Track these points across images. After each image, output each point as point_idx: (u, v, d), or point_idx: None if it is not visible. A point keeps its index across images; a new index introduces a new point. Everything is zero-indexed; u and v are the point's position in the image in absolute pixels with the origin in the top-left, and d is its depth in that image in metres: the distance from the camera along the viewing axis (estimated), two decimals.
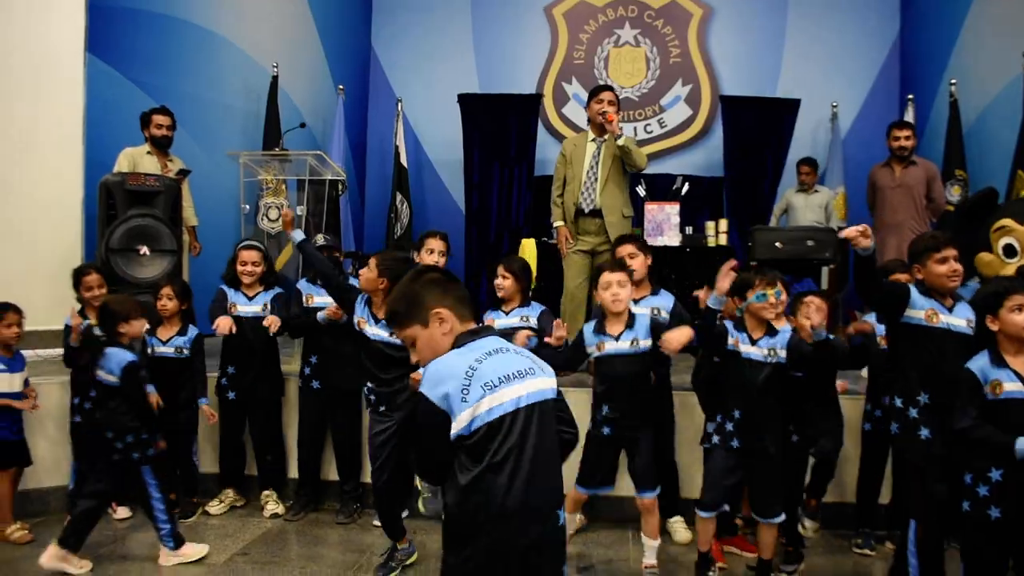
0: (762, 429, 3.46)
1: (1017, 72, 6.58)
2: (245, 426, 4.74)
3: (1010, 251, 3.89)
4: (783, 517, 3.54)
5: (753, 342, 3.48)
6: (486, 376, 2.01)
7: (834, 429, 3.89)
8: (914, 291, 3.28)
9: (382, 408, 3.74)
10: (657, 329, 3.63)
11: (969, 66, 7.44)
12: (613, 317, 3.70)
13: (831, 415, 3.90)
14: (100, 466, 3.92)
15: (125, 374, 3.83)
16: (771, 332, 3.50)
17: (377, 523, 4.44)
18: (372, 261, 3.74)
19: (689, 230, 6.88)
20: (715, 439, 3.56)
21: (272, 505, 4.61)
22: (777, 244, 6.16)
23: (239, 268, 4.60)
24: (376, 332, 3.73)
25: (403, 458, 3.71)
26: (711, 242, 6.72)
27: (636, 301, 4.03)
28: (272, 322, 4.41)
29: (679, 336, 3.43)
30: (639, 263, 4.08)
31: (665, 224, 6.54)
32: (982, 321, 3.07)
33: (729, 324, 3.52)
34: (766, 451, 3.46)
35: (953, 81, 7.39)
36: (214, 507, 4.62)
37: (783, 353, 3.46)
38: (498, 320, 4.23)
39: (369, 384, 3.79)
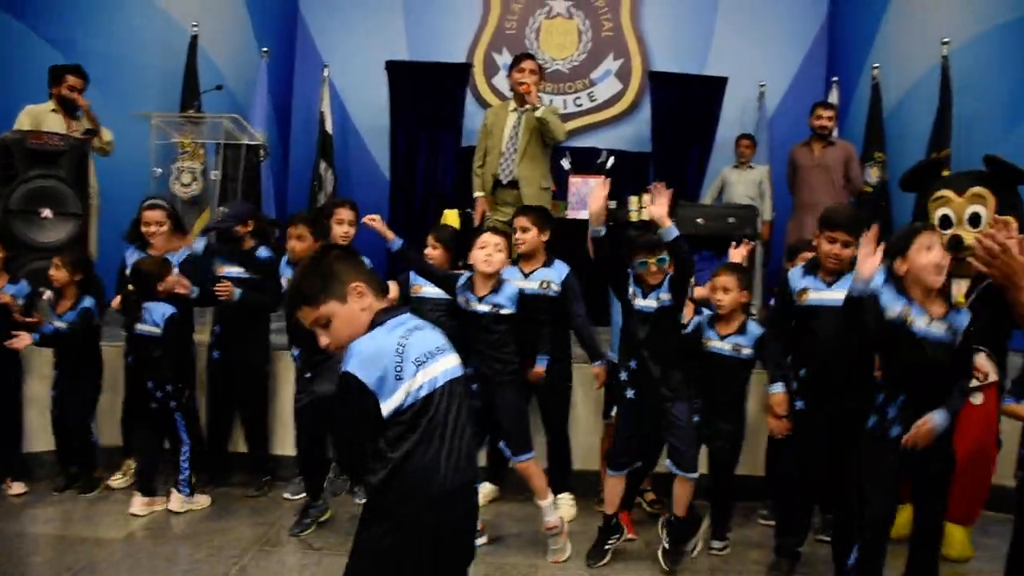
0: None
1: (936, 59, 6.72)
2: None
3: (946, 222, 3.91)
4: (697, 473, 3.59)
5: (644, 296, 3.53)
6: (414, 352, 2.00)
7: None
8: (794, 274, 3.46)
9: (307, 375, 3.82)
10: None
11: (891, 51, 7.58)
12: (482, 277, 3.73)
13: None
14: (144, 415, 4.23)
15: (168, 324, 4.05)
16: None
17: (287, 496, 4.40)
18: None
19: (613, 204, 6.87)
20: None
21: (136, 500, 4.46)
22: (699, 220, 6.22)
23: (143, 228, 4.43)
24: None
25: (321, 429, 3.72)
26: (634, 216, 6.73)
27: (527, 274, 4.06)
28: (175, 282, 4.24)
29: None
30: (530, 237, 4.04)
31: (589, 197, 6.51)
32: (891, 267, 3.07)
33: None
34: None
35: (876, 65, 7.51)
36: (117, 480, 4.50)
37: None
38: (426, 288, 4.19)
39: (296, 351, 3.85)
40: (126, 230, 4.55)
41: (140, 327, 4.08)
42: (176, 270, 4.26)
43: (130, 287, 4.17)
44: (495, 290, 3.71)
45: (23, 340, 4.13)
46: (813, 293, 3.37)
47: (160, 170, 5.84)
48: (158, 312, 4.07)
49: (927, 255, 2.94)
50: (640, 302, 3.51)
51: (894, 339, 2.96)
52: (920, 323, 2.94)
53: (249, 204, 4.72)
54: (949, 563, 3.82)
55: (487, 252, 3.69)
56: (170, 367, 4.13)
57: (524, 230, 4.06)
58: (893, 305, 2.97)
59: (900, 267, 3.01)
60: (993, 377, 3.80)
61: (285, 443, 4.67)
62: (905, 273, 3.00)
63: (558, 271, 4.10)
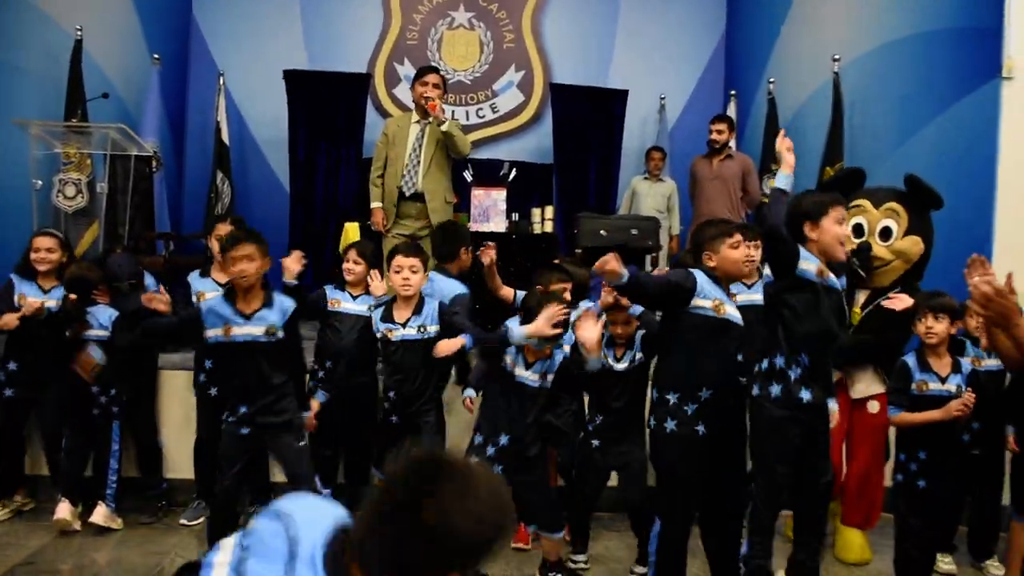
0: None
1: (828, 76, 6.94)
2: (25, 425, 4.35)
3: (859, 230, 4.13)
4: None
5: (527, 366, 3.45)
6: None
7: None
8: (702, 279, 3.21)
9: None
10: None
11: (786, 66, 7.79)
12: (402, 301, 3.69)
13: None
14: (77, 422, 4.16)
15: (114, 327, 4.04)
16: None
17: (184, 521, 4.21)
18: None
19: (516, 216, 6.89)
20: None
21: (64, 507, 4.20)
22: (602, 232, 6.27)
23: (32, 256, 4.19)
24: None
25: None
26: (537, 229, 6.76)
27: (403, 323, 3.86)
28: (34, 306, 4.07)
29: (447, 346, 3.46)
30: (416, 281, 3.74)
31: (492, 210, 6.51)
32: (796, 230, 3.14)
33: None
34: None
35: (772, 80, 7.72)
36: None
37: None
38: (345, 303, 4.09)
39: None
40: (18, 263, 4.30)
41: (88, 333, 4.04)
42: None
43: (71, 296, 4.01)
44: (417, 312, 3.67)
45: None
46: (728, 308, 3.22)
47: (40, 182, 5.54)
48: (104, 315, 4.04)
49: (839, 228, 3.09)
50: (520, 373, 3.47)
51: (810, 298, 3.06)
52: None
53: (132, 260, 4.46)
54: (848, 567, 3.93)
55: (403, 276, 3.63)
56: (115, 371, 4.06)
57: (414, 271, 3.72)
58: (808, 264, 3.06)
59: (810, 231, 3.09)
60: (879, 389, 3.97)
61: (180, 467, 4.48)
62: (814, 240, 3.09)
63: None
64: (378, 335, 3.73)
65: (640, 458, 3.64)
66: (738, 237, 3.22)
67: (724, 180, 6.78)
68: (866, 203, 4.15)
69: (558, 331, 3.24)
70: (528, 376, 3.39)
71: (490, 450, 3.37)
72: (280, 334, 3.39)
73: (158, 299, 3.72)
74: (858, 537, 4.03)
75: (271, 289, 3.48)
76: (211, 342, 3.38)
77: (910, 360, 3.52)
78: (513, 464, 3.33)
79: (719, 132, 6.82)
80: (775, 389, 3.06)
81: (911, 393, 3.46)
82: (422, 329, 3.64)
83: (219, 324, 3.33)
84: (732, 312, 3.17)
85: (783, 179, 3.22)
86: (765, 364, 3.12)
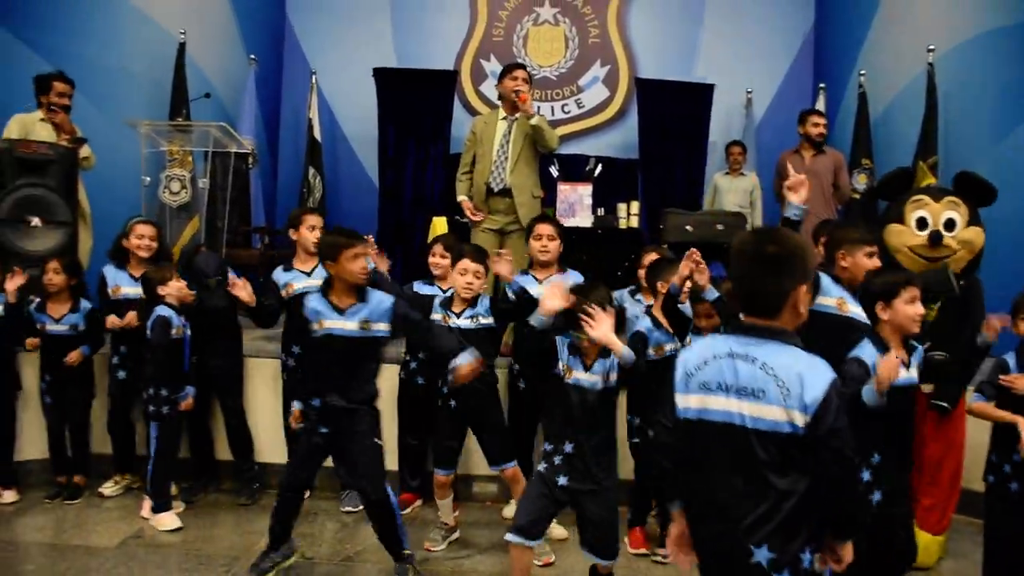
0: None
1: (921, 67, 6.77)
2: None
3: (922, 224, 4.04)
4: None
5: (586, 368, 3.11)
6: None
7: None
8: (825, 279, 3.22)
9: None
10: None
11: (878, 59, 7.61)
12: (459, 299, 3.88)
13: None
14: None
15: (153, 326, 4.06)
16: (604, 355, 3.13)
17: None
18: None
19: (601, 211, 6.91)
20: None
21: (112, 488, 4.51)
22: (687, 227, 6.24)
23: (134, 242, 4.44)
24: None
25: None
26: (623, 224, 6.77)
27: (540, 281, 4.11)
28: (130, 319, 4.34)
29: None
30: (555, 247, 4.17)
31: (577, 205, 6.55)
32: (870, 308, 3.11)
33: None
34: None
35: (862, 72, 7.56)
36: (108, 488, 4.49)
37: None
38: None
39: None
40: (110, 248, 4.58)
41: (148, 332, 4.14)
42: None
43: (143, 297, 4.25)
44: (472, 304, 3.86)
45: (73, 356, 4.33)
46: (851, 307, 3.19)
47: (149, 179, 5.85)
48: (152, 315, 4.10)
49: (912, 307, 3.01)
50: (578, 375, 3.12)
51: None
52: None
53: (217, 257, 4.67)
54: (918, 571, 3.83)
55: (467, 280, 3.82)
56: (151, 369, 4.15)
57: (551, 239, 4.17)
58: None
59: (882, 312, 3.05)
60: None
61: (272, 451, 4.69)
62: (887, 320, 3.03)
63: (570, 278, 4.13)
64: (436, 316, 3.88)
65: None
66: (875, 249, 3.29)
67: (818, 175, 6.63)
68: (926, 197, 4.09)
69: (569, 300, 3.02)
70: (586, 378, 3.08)
71: (557, 459, 3.10)
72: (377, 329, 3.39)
73: (240, 286, 3.91)
74: (931, 542, 3.91)
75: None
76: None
77: (1010, 359, 3.42)
78: (579, 474, 3.08)
79: (819, 125, 6.67)
80: None
81: (1000, 386, 3.34)
82: (475, 319, 3.83)
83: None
84: (855, 310, 3.17)
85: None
86: None
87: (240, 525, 4.18)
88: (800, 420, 1.91)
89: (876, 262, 3.30)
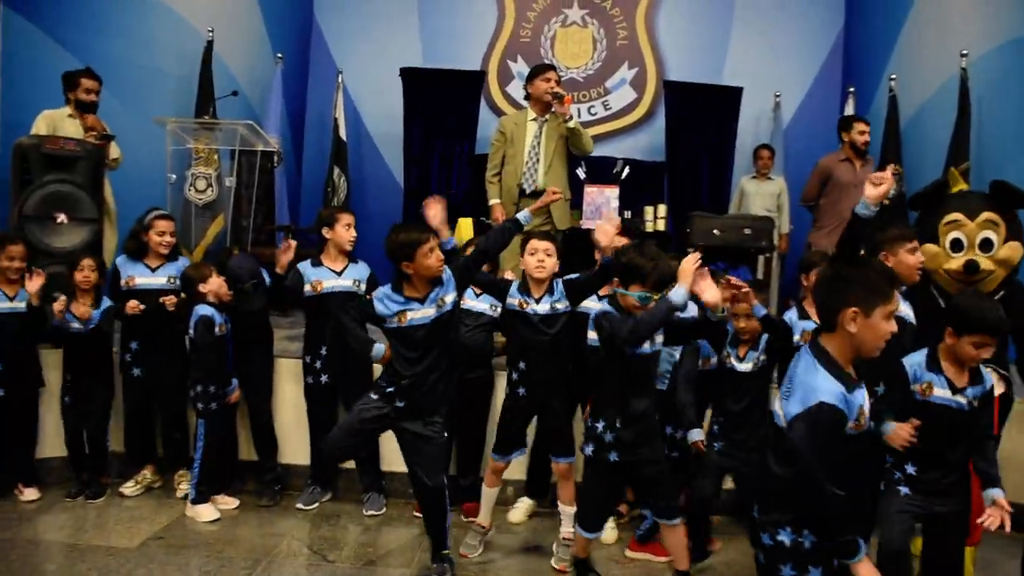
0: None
1: (954, 71, 6.65)
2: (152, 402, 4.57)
3: (957, 246, 3.89)
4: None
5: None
6: None
7: None
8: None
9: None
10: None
11: (909, 63, 7.51)
12: (535, 283, 3.72)
13: None
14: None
15: (196, 326, 4.07)
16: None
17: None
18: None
19: (628, 214, 6.85)
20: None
21: (185, 486, 4.40)
22: (715, 231, 6.18)
23: (155, 238, 4.41)
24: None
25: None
26: (649, 227, 6.70)
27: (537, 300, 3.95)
28: (170, 301, 4.30)
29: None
30: (551, 264, 3.81)
31: (604, 207, 6.48)
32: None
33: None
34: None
35: (893, 76, 7.45)
36: (129, 488, 4.46)
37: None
38: (468, 300, 4.27)
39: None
40: (127, 238, 4.54)
41: (190, 331, 4.14)
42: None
43: (182, 295, 4.26)
44: (550, 291, 3.72)
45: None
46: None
47: (175, 176, 5.85)
48: (194, 315, 4.11)
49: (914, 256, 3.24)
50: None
51: None
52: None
53: (252, 260, 4.62)
54: None
55: (539, 258, 3.68)
56: (197, 369, 4.15)
57: (548, 254, 3.82)
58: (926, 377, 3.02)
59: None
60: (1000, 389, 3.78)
61: (295, 452, 4.65)
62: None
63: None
64: (512, 305, 3.74)
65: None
66: (916, 243, 3.28)
67: (862, 185, 6.46)
68: (961, 216, 3.90)
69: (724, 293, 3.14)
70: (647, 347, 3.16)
71: (609, 435, 3.17)
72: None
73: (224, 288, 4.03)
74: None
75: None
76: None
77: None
78: (632, 446, 3.17)
79: (864, 133, 6.41)
80: None
81: None
82: (554, 307, 3.68)
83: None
84: (905, 311, 3.20)
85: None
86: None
87: (262, 527, 4.13)
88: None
89: (920, 257, 3.30)
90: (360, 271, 4.38)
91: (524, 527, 4.29)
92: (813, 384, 2.18)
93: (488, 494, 3.92)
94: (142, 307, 4.25)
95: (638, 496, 3.58)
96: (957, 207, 3.98)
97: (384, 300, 3.36)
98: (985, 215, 3.86)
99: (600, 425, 3.19)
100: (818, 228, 6.53)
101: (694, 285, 2.95)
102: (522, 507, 4.38)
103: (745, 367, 3.53)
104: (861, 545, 2.18)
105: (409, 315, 3.33)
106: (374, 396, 3.43)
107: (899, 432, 2.91)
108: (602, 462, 3.18)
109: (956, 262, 3.84)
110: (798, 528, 2.24)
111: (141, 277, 4.41)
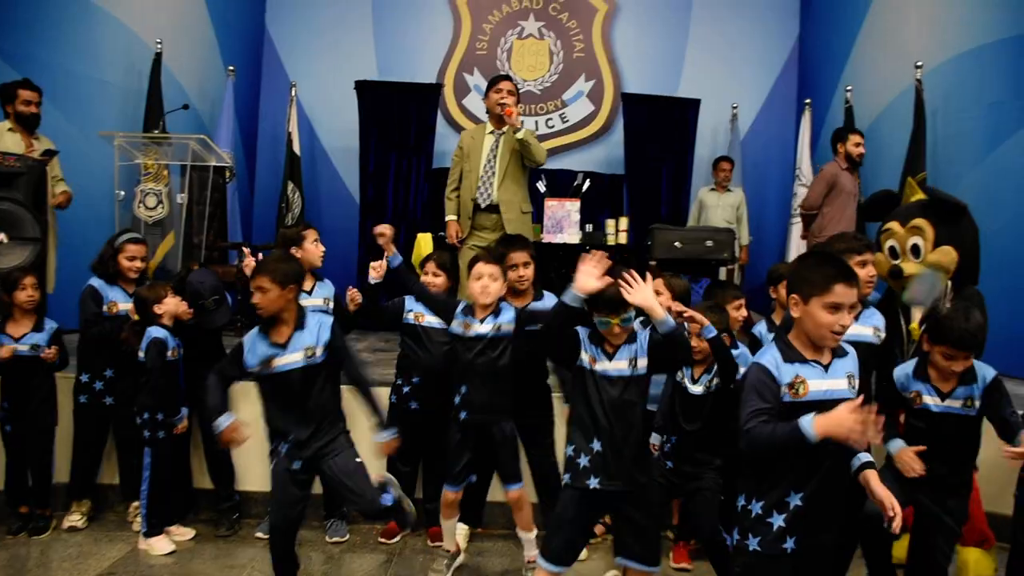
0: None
1: (908, 83, 6.73)
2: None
3: (893, 252, 4.11)
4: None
5: (610, 357, 2.83)
6: None
7: None
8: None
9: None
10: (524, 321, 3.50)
11: (864, 75, 7.58)
12: (480, 309, 3.58)
13: None
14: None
15: (148, 348, 3.86)
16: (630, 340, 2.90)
17: (260, 534, 4.18)
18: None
19: (589, 228, 6.79)
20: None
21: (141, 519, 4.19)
22: (676, 244, 6.13)
23: (125, 262, 4.20)
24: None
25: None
26: (611, 240, 6.64)
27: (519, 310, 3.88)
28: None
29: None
30: (530, 274, 3.84)
31: (565, 221, 6.41)
32: None
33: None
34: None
35: (849, 88, 7.52)
36: (75, 519, 4.23)
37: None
38: (431, 317, 3.99)
39: None
40: (95, 261, 4.31)
41: (140, 353, 3.91)
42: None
43: (135, 316, 4.02)
44: (495, 312, 3.57)
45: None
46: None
47: (123, 192, 5.64)
48: (146, 338, 3.89)
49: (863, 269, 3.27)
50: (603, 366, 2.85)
51: None
52: None
53: (213, 275, 4.42)
54: None
55: (483, 283, 3.53)
56: (145, 395, 3.92)
57: (526, 265, 3.82)
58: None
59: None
60: None
61: (253, 479, 4.46)
62: None
63: (548, 303, 3.94)
64: (455, 329, 3.60)
65: (712, 486, 3.42)
66: (868, 256, 3.33)
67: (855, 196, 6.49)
68: (894, 225, 4.12)
69: (606, 281, 2.69)
70: (611, 367, 2.81)
71: (584, 461, 2.84)
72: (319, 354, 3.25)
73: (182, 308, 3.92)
74: (982, 557, 3.77)
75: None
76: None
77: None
78: (611, 474, 2.82)
79: (860, 145, 6.43)
80: None
81: None
82: (498, 327, 3.53)
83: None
84: (861, 329, 3.23)
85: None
86: None
87: (220, 558, 3.94)
88: None
89: (871, 271, 3.34)
90: (328, 289, 4.21)
91: (494, 551, 4.16)
92: (759, 355, 2.50)
93: (448, 525, 3.77)
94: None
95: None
96: (895, 215, 4.20)
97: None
98: (913, 222, 4.03)
99: (571, 449, 2.93)
100: (819, 235, 6.47)
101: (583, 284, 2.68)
102: (461, 532, 4.17)
103: (696, 389, 3.41)
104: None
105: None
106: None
107: (906, 462, 2.98)
108: (579, 489, 2.87)
109: (886, 268, 4.06)
110: (749, 496, 2.41)
111: (122, 303, 4.21)
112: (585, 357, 2.83)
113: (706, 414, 3.40)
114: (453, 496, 3.67)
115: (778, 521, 2.35)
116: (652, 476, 2.97)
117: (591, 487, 2.80)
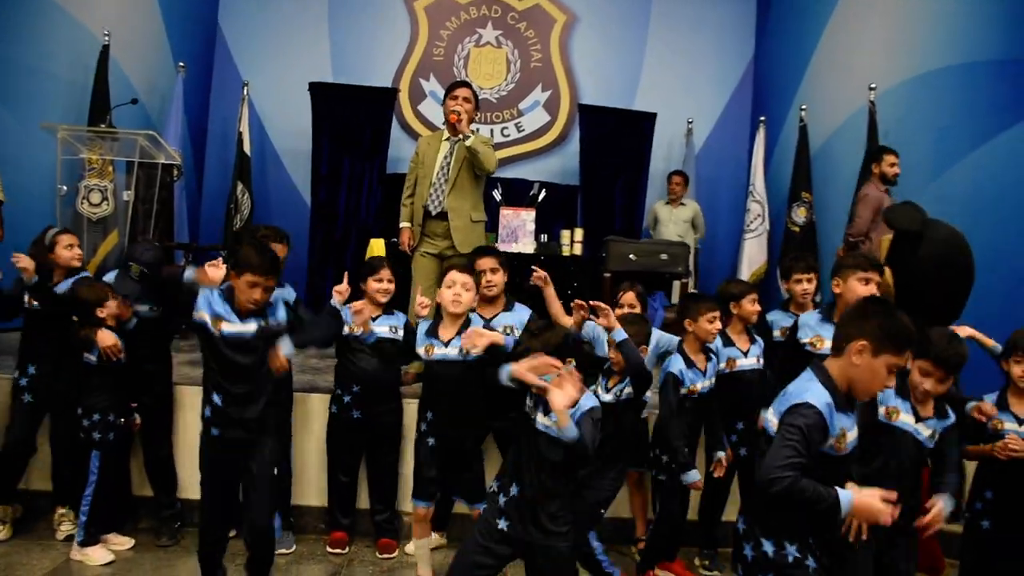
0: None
1: (862, 103, 6.84)
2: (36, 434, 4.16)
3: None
4: None
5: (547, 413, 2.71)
6: None
7: None
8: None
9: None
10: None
11: (818, 94, 7.68)
12: (449, 319, 3.53)
13: None
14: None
15: (99, 350, 3.73)
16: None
17: None
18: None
19: (544, 238, 6.75)
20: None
21: (68, 526, 4.03)
22: (631, 256, 6.14)
23: (65, 253, 4.03)
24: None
25: None
26: (566, 251, 6.61)
27: (488, 320, 3.83)
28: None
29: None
30: (499, 279, 3.85)
31: (520, 231, 6.37)
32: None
33: None
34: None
35: (803, 107, 7.61)
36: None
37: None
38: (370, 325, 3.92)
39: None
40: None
41: (86, 354, 3.78)
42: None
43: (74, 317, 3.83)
44: (461, 332, 3.48)
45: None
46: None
47: (65, 188, 5.44)
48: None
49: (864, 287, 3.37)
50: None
51: None
52: None
53: (159, 251, 4.21)
54: None
55: (455, 292, 3.50)
56: (99, 396, 3.79)
57: (493, 271, 3.82)
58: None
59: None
60: None
61: (195, 487, 4.31)
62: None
63: (518, 315, 3.91)
64: (420, 350, 3.56)
65: (608, 497, 3.49)
66: (872, 275, 3.43)
67: None
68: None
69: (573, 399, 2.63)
70: (546, 423, 2.70)
71: (501, 500, 2.80)
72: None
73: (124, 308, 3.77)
74: None
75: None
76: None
77: (989, 398, 3.36)
78: (523, 519, 2.76)
79: (895, 165, 6.16)
80: None
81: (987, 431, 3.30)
82: (465, 352, 3.44)
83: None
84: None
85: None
86: None
87: (160, 569, 3.80)
88: (773, 428, 2.33)
89: (871, 289, 3.36)
90: (288, 293, 4.10)
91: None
92: (805, 390, 2.30)
93: (421, 546, 3.68)
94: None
95: None
96: None
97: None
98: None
99: (495, 485, 2.88)
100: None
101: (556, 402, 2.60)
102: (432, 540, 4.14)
103: (607, 397, 3.43)
104: (839, 495, 2.17)
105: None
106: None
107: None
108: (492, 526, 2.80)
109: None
110: (780, 541, 2.31)
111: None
112: (529, 403, 2.80)
113: (611, 425, 3.36)
114: (424, 511, 3.61)
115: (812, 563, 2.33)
116: (568, 531, 2.79)
117: (499, 527, 2.77)
